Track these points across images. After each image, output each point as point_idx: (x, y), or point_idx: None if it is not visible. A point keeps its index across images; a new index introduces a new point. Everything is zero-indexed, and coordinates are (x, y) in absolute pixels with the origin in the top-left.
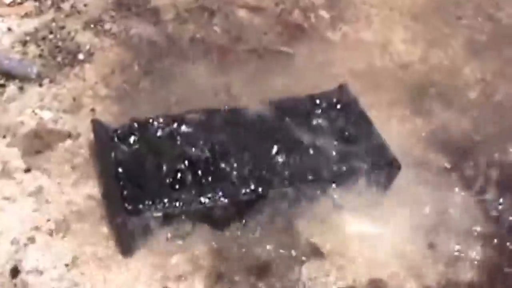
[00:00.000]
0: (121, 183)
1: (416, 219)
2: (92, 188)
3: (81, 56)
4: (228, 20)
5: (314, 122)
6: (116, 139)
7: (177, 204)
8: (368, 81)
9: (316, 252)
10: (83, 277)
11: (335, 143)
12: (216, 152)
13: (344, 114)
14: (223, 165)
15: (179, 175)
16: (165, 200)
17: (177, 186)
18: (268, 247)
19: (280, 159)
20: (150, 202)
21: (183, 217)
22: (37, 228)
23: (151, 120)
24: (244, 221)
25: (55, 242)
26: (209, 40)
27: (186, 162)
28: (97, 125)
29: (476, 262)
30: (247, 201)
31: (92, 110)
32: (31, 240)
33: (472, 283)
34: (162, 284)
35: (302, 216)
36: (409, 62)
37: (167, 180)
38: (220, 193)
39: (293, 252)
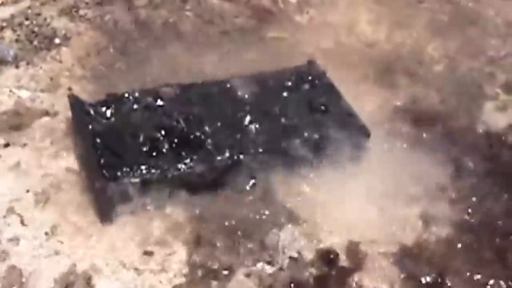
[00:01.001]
0: (99, 152)
1: (388, 186)
2: (70, 161)
3: (57, 40)
4: (200, 6)
5: (285, 94)
6: (92, 112)
7: (155, 170)
8: (337, 59)
9: (292, 218)
10: (63, 245)
11: (306, 113)
12: (191, 122)
13: (314, 87)
14: (198, 134)
15: (155, 143)
16: (143, 167)
17: (154, 154)
18: (245, 211)
19: (253, 127)
20: (128, 169)
21: (161, 184)
22: (16, 200)
23: (126, 95)
24: (220, 186)
25: (35, 212)
26: (181, 24)
27: (163, 131)
28: (74, 100)
29: (445, 221)
30: (223, 167)
31: (69, 89)
32: (11, 211)
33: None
34: (142, 249)
35: (277, 182)
36: (375, 41)
37: (144, 149)
38: (196, 159)
39: (270, 217)
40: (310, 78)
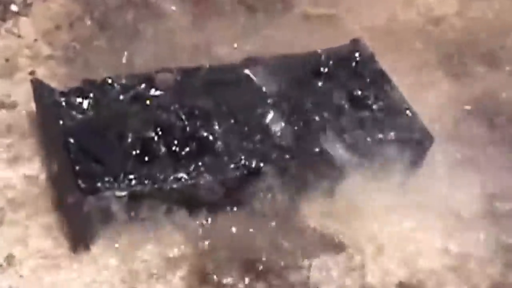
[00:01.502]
0: (72, 156)
1: (454, 208)
2: (33, 168)
3: (14, 8)
4: None
5: (320, 83)
6: (64, 103)
7: (147, 181)
8: (389, 39)
9: (327, 245)
10: (21, 280)
11: (347, 109)
12: (195, 119)
13: (358, 74)
14: (204, 134)
15: (148, 146)
16: (131, 176)
17: (146, 159)
18: (265, 238)
19: (277, 127)
20: (111, 179)
21: (155, 199)
22: None
23: (109, 81)
24: (233, 204)
25: None
26: None
27: (158, 130)
28: (38, 87)
29: None
30: (237, 179)
31: (31, 73)
32: None
33: None
34: (130, 285)
35: (308, 199)
36: (442, 16)
37: (133, 152)
38: (202, 168)
39: (298, 245)
40: (353, 63)
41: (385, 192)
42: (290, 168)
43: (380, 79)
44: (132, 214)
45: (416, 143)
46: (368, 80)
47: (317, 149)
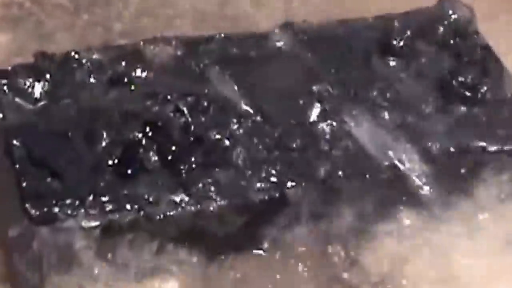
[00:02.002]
0: (17, 167)
1: None
2: None
3: None
4: None
5: (392, 63)
6: (6, 89)
7: (129, 206)
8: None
9: None
10: None
11: (435, 102)
12: (203, 113)
13: (451, 50)
14: (216, 135)
15: (132, 152)
16: (105, 198)
17: (128, 172)
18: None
19: (324, 128)
20: (75, 202)
21: (140, 232)
22: None
23: (75, 56)
24: (255, 242)
25: None
26: None
27: (147, 128)
28: None
29: None
30: (262, 205)
31: None
32: None
33: None
34: None
35: (372, 239)
36: None
37: (110, 162)
38: (212, 188)
39: None
40: (444, 33)
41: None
42: (345, 190)
43: (485, 57)
44: (107, 255)
45: None
46: (466, 59)
47: (386, 163)
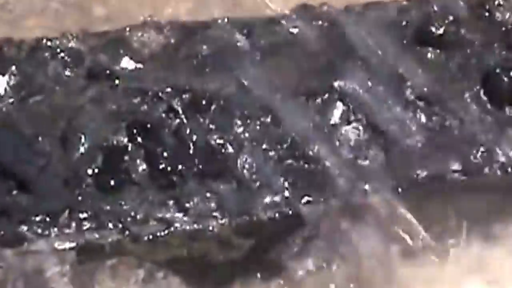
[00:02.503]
0: None
1: None
2: None
3: None
4: None
5: (430, 54)
6: None
7: (111, 224)
8: None
9: None
10: None
11: (478, 101)
12: (201, 113)
13: (500, 39)
14: (217, 140)
15: (116, 159)
16: (83, 215)
17: (111, 184)
18: None
19: (350, 132)
20: (46, 218)
21: (126, 256)
22: None
23: (48, 43)
24: (265, 268)
25: None
26: None
27: (134, 131)
28: None
29: None
30: (272, 225)
31: None
32: None
33: None
34: None
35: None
36: None
37: (89, 171)
38: (212, 204)
39: None
40: (490, 20)
41: None
42: (370, 207)
43: None
44: (84, 283)
45: None
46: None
47: (424, 173)
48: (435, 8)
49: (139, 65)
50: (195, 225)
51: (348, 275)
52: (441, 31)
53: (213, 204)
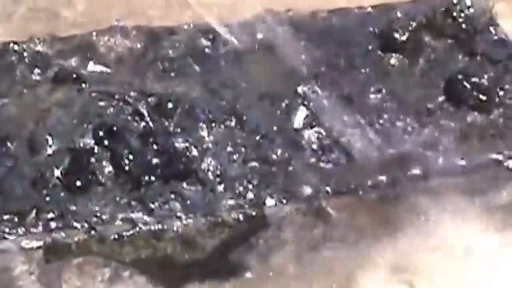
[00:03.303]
0: None
1: None
2: None
3: None
4: None
5: (394, 60)
6: None
7: (78, 224)
8: None
9: None
10: None
11: (443, 106)
12: (167, 115)
13: (464, 44)
14: (182, 143)
15: (83, 161)
16: (50, 215)
17: (78, 185)
18: None
19: (313, 135)
20: (13, 218)
21: (92, 256)
22: None
23: (15, 47)
24: (229, 270)
25: None
26: None
27: (100, 133)
28: None
29: None
30: (236, 226)
31: None
32: None
33: None
34: None
35: (366, 263)
36: None
37: (56, 172)
38: (176, 204)
39: None
40: (454, 25)
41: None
42: (335, 209)
43: (504, 54)
44: (51, 282)
45: None
46: (482, 56)
47: (384, 177)
48: (399, 15)
49: (106, 69)
50: (160, 225)
51: (311, 275)
52: (404, 37)
53: (177, 205)
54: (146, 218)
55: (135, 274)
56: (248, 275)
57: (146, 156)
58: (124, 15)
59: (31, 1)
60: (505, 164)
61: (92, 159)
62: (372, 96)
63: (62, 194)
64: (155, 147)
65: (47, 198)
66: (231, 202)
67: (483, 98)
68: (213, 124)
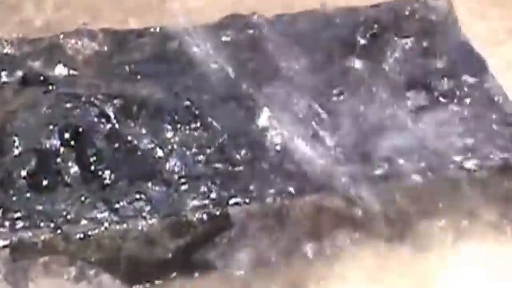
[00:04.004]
0: None
1: None
2: None
3: None
4: None
5: (358, 62)
6: None
7: (43, 223)
8: None
9: None
10: None
11: (405, 106)
12: (132, 117)
13: (426, 47)
14: (148, 145)
15: (48, 161)
16: (16, 215)
17: (43, 184)
18: None
19: (277, 136)
20: None
21: (57, 255)
22: None
23: None
24: (192, 269)
25: None
26: None
27: (66, 135)
28: None
29: None
30: (199, 226)
31: None
32: None
33: None
34: None
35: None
36: None
37: (21, 173)
38: (141, 204)
39: None
40: (416, 28)
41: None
42: (297, 211)
43: (465, 56)
44: (17, 280)
45: None
46: (443, 58)
47: (347, 177)
48: (361, 18)
49: (73, 71)
50: (125, 225)
51: (273, 275)
52: (368, 39)
53: (141, 205)
54: (111, 217)
55: (100, 273)
56: (212, 274)
57: (112, 157)
58: (91, 18)
59: None
60: (463, 164)
61: (59, 160)
62: (334, 98)
63: (28, 194)
64: (120, 148)
65: (14, 198)
66: (195, 202)
67: (444, 100)
68: (178, 126)
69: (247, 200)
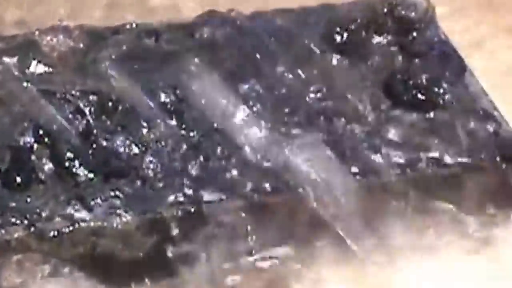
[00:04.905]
0: None
1: None
2: None
3: None
4: None
5: (335, 59)
6: None
7: (17, 221)
8: None
9: None
10: None
11: (383, 106)
12: (108, 114)
13: (403, 45)
14: (123, 141)
15: (22, 159)
16: None
17: (17, 182)
18: None
19: (254, 135)
20: None
21: (30, 253)
22: None
23: None
24: (169, 265)
25: None
26: None
27: (40, 132)
28: None
29: None
30: (175, 223)
31: None
32: None
33: None
34: None
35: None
36: None
37: None
38: (116, 202)
39: None
40: (393, 25)
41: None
42: (271, 209)
43: (444, 55)
44: None
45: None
46: (422, 56)
47: (318, 178)
48: (340, 14)
49: (48, 68)
50: (100, 223)
51: (249, 273)
52: (345, 36)
53: (116, 202)
54: (85, 215)
55: (74, 270)
56: (187, 271)
57: (87, 153)
58: (67, 15)
59: None
60: (443, 162)
61: (33, 157)
62: (312, 95)
63: (1, 191)
64: (95, 145)
65: None
66: (170, 199)
67: (422, 98)
68: (154, 123)
69: (223, 197)
